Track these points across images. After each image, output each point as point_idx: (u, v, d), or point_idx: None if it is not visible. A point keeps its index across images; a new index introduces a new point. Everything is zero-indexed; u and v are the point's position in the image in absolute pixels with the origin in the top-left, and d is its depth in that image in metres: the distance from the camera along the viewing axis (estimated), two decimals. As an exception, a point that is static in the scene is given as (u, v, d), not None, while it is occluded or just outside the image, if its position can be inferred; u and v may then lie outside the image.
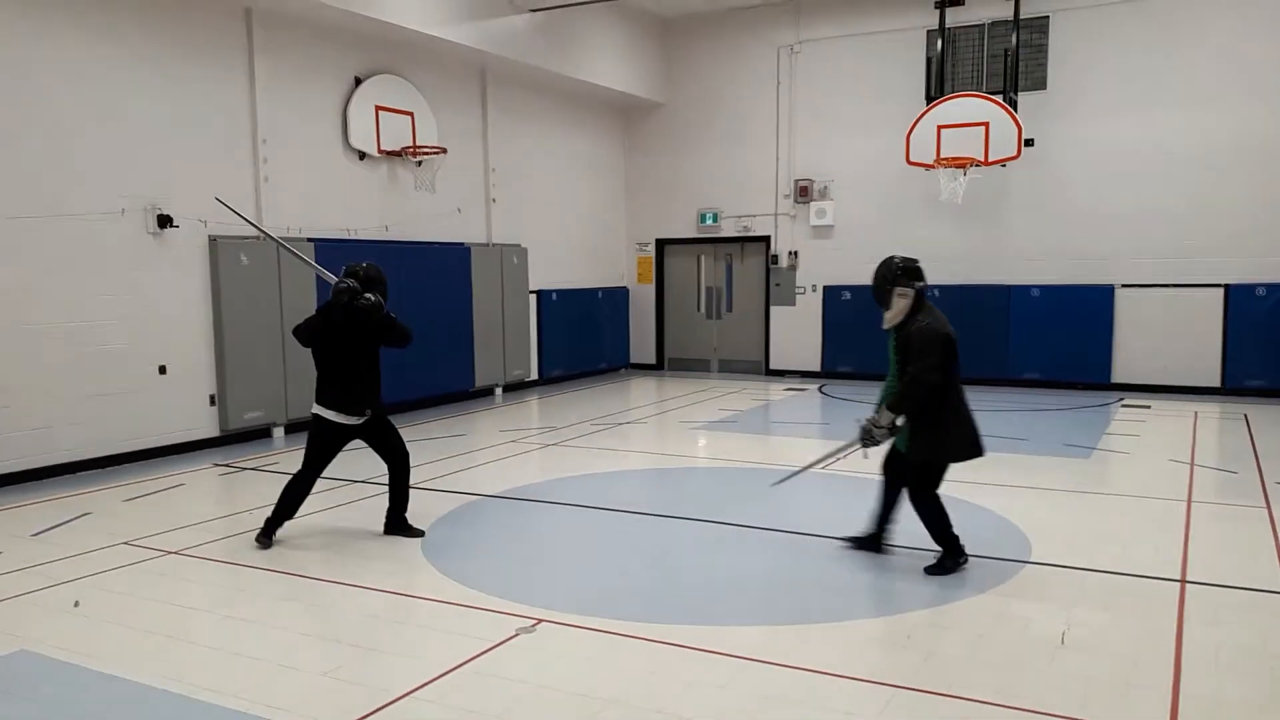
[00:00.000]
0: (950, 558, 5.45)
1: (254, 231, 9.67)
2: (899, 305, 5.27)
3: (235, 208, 6.55)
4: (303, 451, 6.19)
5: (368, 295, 5.91)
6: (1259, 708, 3.78)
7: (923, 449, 5.32)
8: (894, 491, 5.66)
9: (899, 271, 5.27)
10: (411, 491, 6.45)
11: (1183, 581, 5.25)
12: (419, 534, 6.31)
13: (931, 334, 5.15)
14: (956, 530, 5.46)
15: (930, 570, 5.44)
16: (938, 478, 5.41)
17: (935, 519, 5.43)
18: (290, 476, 6.19)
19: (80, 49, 8.36)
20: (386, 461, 6.36)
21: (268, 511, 6.23)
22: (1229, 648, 4.34)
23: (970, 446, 5.33)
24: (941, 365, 5.15)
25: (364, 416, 6.13)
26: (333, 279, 6.03)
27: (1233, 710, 3.75)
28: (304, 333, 6.08)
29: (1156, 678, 4.03)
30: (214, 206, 9.37)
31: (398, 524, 6.36)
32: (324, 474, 6.25)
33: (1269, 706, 3.80)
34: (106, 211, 8.55)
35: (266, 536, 6.13)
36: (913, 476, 5.43)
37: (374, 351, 6.14)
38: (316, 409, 6.09)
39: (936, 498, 5.42)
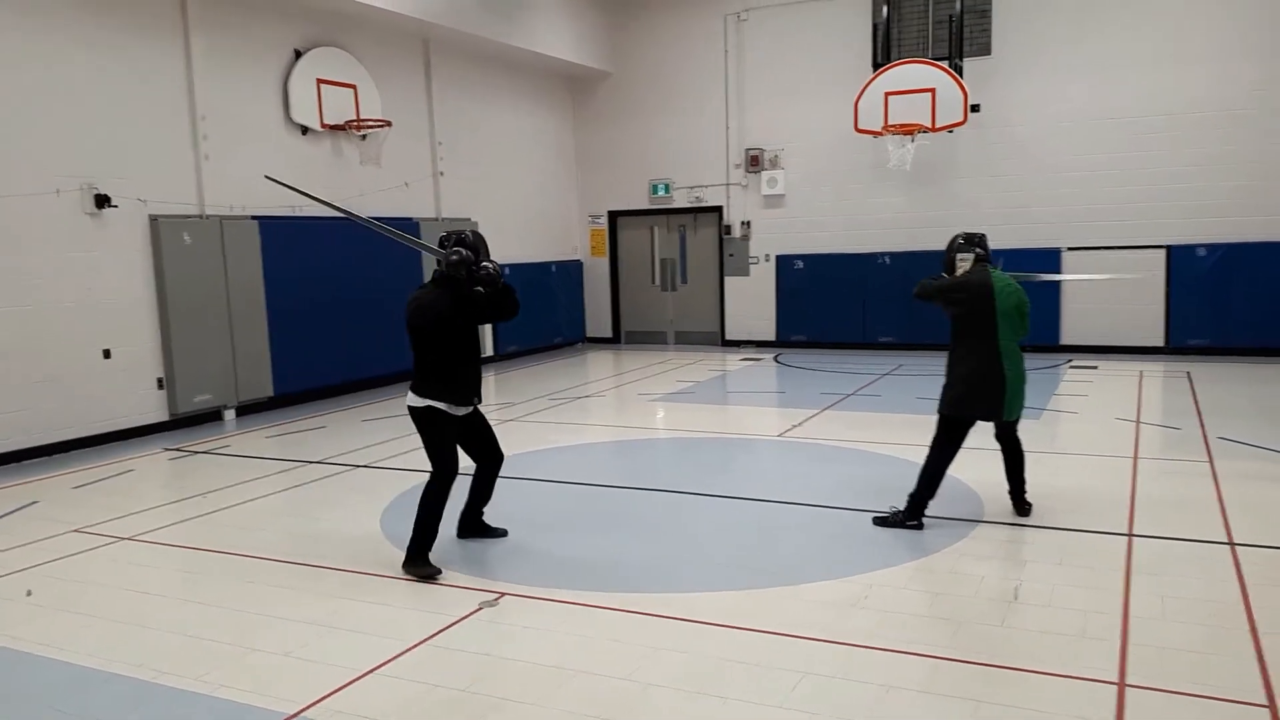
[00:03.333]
0: (907, 516, 5.59)
1: (225, 212, 9.45)
2: (961, 269, 5.69)
3: (290, 184, 5.45)
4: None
5: (486, 264, 5.11)
6: (1203, 654, 3.91)
7: (940, 402, 5.62)
8: (1008, 457, 5.81)
9: (960, 241, 5.77)
10: (370, 470, 6.40)
11: (1130, 536, 5.39)
12: (503, 533, 5.69)
13: (954, 276, 5.70)
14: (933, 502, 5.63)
15: (878, 521, 5.67)
16: (952, 434, 5.56)
17: (928, 474, 5.56)
18: (426, 493, 5.16)
19: (10, 27, 8.08)
20: (484, 459, 5.53)
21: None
22: (1174, 598, 4.48)
23: (980, 406, 5.53)
24: (946, 299, 5.65)
25: (472, 406, 5.28)
26: (438, 252, 5.24)
27: (1179, 656, 3.87)
28: (441, 317, 5.09)
29: (1106, 629, 4.15)
30: (155, 185, 9.20)
31: (479, 526, 5.67)
32: (277, 457, 6.16)
33: (1212, 652, 3.93)
34: (41, 192, 8.31)
35: (426, 564, 5.11)
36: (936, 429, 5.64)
37: (477, 329, 5.30)
38: (429, 401, 5.11)
39: (943, 457, 5.56)
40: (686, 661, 3.97)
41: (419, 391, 5.16)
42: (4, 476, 7.71)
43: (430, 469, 5.20)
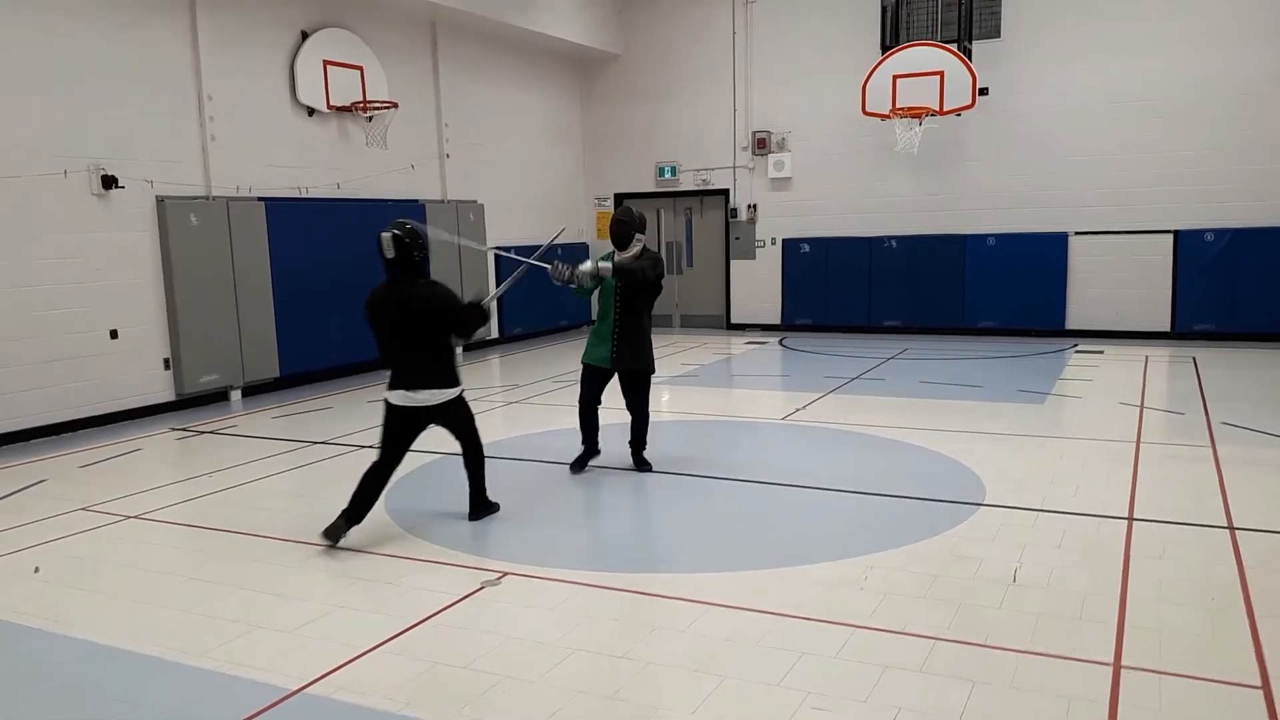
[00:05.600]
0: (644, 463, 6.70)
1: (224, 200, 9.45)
2: (636, 248, 6.36)
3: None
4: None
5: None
6: (1199, 635, 3.94)
7: (652, 360, 6.51)
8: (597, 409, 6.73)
9: (642, 220, 6.42)
10: (376, 451, 6.40)
11: (1130, 519, 5.41)
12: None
13: (662, 262, 6.42)
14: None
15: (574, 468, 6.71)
16: None
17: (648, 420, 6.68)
18: (481, 455, 5.68)
19: (15, 8, 8.09)
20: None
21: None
22: (1173, 580, 4.50)
23: None
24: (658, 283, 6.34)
25: None
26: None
27: (1175, 637, 3.90)
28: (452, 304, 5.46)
29: (1103, 611, 4.18)
30: (161, 167, 9.22)
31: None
32: (283, 437, 6.21)
33: (1208, 633, 3.95)
34: (48, 173, 8.34)
35: (487, 506, 5.75)
36: (643, 388, 6.54)
37: None
38: (460, 390, 5.51)
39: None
40: (686, 641, 4.00)
41: (446, 383, 5.37)
42: (13, 455, 7.78)
43: (473, 445, 5.63)
